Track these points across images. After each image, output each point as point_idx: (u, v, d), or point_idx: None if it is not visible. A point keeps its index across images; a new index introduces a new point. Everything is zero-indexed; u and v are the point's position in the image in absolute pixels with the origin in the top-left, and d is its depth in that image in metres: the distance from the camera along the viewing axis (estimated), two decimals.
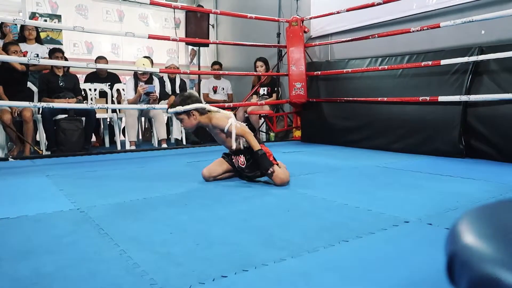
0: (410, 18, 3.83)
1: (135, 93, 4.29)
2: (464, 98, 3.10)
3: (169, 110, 2.29)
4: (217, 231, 1.38)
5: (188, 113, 2.23)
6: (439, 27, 3.30)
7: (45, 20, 5.47)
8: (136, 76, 4.38)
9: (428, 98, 3.32)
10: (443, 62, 3.24)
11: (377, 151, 3.69)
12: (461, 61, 3.15)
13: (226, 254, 1.16)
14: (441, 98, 3.23)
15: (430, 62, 3.34)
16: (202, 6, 6.47)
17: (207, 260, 1.12)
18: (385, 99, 3.70)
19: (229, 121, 2.19)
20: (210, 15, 6.14)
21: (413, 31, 3.52)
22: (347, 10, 4.04)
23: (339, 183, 2.29)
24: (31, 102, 3.56)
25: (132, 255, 1.15)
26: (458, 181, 2.26)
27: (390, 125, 3.71)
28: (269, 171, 2.11)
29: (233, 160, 2.32)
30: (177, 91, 4.93)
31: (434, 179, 2.35)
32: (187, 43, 6.50)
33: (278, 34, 5.19)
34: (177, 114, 2.26)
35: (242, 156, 2.27)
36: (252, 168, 2.26)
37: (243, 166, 2.27)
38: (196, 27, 5.76)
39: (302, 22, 4.60)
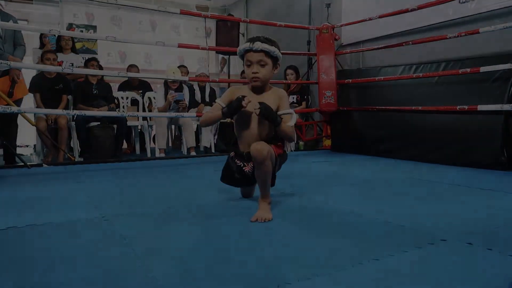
0: (446, 24, 3.67)
1: (165, 101, 4.34)
2: (506, 107, 2.92)
3: (262, 45, 1.71)
4: (240, 245, 1.33)
5: (276, 61, 1.81)
6: (478, 32, 3.14)
7: (81, 31, 5.67)
8: (167, 84, 4.43)
9: (466, 107, 3.16)
10: (483, 69, 3.07)
11: (410, 162, 3.53)
12: (503, 68, 2.97)
13: (247, 270, 1.10)
14: (481, 107, 3.06)
15: (468, 69, 3.18)
16: (232, 15, 6.52)
17: (226, 276, 1.06)
18: (420, 108, 3.55)
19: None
20: (240, 24, 6.17)
21: (450, 38, 3.36)
22: (380, 17, 3.93)
23: (369, 195, 2.18)
24: (64, 110, 3.66)
25: (151, 268, 1.12)
26: (501, 196, 2.11)
27: (424, 135, 3.56)
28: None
29: (245, 166, 1.84)
30: (207, 99, 4.95)
31: (474, 193, 2.20)
32: (217, 52, 6.56)
33: (309, 42, 5.12)
34: (266, 53, 1.73)
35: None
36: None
37: (251, 173, 1.81)
38: (227, 36, 5.81)
39: (333, 29, 4.52)
